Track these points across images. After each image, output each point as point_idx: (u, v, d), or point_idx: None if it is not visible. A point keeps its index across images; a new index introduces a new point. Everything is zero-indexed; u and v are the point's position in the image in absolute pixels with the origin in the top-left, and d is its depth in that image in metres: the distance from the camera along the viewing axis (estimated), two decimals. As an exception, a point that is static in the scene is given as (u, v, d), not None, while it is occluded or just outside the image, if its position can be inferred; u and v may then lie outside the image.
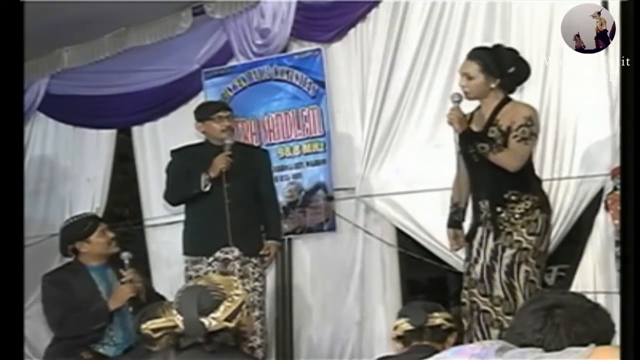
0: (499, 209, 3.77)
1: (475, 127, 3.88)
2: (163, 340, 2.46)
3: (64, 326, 4.06)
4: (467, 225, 4.03)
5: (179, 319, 2.41)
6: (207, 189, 4.48)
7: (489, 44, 4.05)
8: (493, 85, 3.83)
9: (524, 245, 3.75)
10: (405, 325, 3.05)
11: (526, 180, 3.85)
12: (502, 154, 3.76)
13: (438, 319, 3.06)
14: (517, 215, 3.75)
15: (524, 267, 3.74)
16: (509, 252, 3.74)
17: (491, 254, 3.78)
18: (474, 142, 3.82)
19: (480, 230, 3.85)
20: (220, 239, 4.50)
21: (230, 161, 4.49)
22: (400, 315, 3.14)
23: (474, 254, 3.86)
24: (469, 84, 3.86)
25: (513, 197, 3.77)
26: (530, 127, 3.78)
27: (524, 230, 3.75)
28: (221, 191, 4.50)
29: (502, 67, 3.84)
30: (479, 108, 3.94)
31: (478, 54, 3.91)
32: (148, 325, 3.01)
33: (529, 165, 3.88)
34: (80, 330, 4.00)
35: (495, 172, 3.79)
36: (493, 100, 3.86)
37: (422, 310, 3.07)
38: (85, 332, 4.00)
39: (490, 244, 3.79)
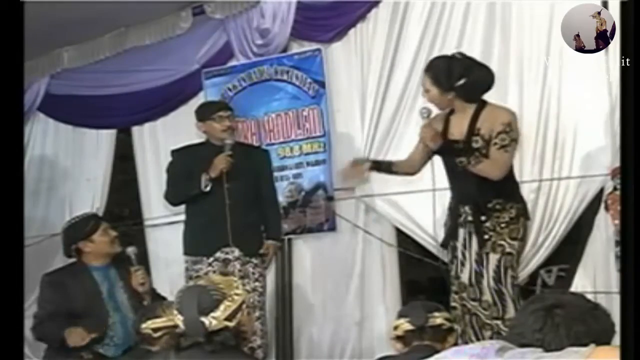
0: (483, 218, 3.73)
1: (455, 134, 3.81)
2: (163, 340, 2.47)
3: (36, 329, 4.08)
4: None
5: (179, 319, 2.41)
6: (208, 189, 4.48)
7: (449, 53, 3.97)
8: (449, 97, 3.77)
9: (507, 249, 3.72)
10: (405, 325, 3.05)
11: (509, 188, 3.81)
12: (482, 165, 3.71)
13: (438, 318, 3.06)
14: (502, 225, 3.72)
15: (510, 273, 3.73)
16: (493, 257, 3.71)
17: (477, 257, 3.75)
18: (452, 156, 3.78)
19: (462, 232, 3.82)
20: (220, 239, 4.50)
21: (231, 161, 4.49)
22: (400, 315, 3.14)
23: (459, 256, 3.84)
24: (428, 96, 3.83)
25: (497, 206, 3.74)
26: (509, 134, 3.70)
27: (507, 236, 3.73)
28: (221, 191, 4.50)
29: (451, 79, 3.73)
30: (453, 112, 3.87)
31: (431, 66, 3.85)
32: (148, 325, 3.00)
33: (510, 171, 3.83)
34: (43, 339, 4.10)
35: (478, 180, 3.74)
36: (464, 108, 3.78)
37: (422, 310, 3.07)
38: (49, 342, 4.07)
39: (474, 247, 3.76)
